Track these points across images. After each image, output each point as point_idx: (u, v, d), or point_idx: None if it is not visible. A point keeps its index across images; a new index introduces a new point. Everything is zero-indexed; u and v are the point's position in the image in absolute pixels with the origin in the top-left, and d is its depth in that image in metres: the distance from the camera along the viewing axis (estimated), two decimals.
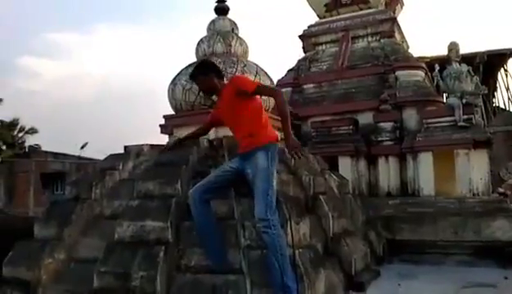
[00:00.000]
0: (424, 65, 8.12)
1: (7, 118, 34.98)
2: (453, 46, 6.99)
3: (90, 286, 3.38)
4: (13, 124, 35.51)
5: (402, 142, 6.78)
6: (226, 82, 3.76)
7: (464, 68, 6.87)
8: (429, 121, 6.66)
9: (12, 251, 3.97)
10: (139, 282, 3.24)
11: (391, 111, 7.13)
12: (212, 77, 3.65)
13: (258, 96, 3.55)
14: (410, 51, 9.18)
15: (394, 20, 8.77)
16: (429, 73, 8.15)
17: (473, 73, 6.98)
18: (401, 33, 9.24)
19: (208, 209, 3.39)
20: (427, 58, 9.35)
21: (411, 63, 8.03)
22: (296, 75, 8.78)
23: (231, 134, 4.29)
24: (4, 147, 34.41)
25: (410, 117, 7.13)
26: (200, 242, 3.41)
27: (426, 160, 6.42)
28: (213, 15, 5.53)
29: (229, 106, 3.52)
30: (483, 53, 14.40)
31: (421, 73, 7.89)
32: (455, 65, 6.89)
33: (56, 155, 26.92)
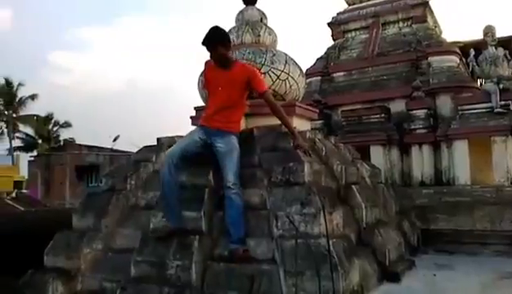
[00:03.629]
0: (458, 50, 7.87)
1: (42, 113, 36.26)
2: (489, 30, 6.74)
3: (127, 274, 3.48)
4: (48, 118, 36.77)
5: (436, 130, 6.61)
6: (239, 61, 3.94)
7: (501, 52, 6.63)
8: (464, 108, 6.47)
9: (52, 241, 4.11)
10: (174, 271, 3.31)
11: (424, 98, 6.95)
12: (228, 48, 3.77)
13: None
14: (443, 35, 8.92)
15: (426, 5, 8.52)
16: (464, 59, 7.90)
17: (510, 58, 6.73)
18: (433, 17, 8.97)
19: (177, 174, 3.62)
20: (460, 43, 9.04)
21: (445, 48, 7.78)
22: (325, 63, 8.69)
23: (260, 124, 4.33)
24: (40, 141, 35.67)
25: (445, 104, 6.94)
26: (164, 205, 3.63)
27: (461, 148, 6.25)
28: (242, 5, 5.51)
29: (235, 85, 3.72)
30: None
31: (455, 59, 7.65)
32: (491, 49, 6.65)
33: (89, 148, 27.62)
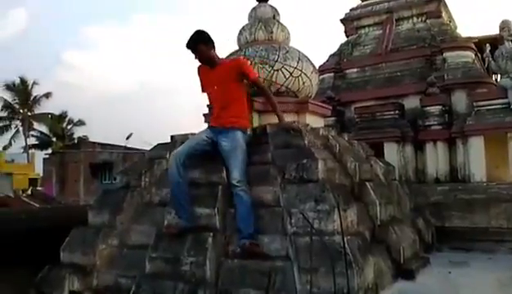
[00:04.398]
0: (473, 46, 7.76)
1: (56, 111, 36.73)
2: (505, 25, 6.62)
3: (142, 270, 3.51)
4: (62, 117, 37.23)
5: (451, 126, 6.54)
6: (224, 57, 4.10)
7: None
8: (480, 104, 6.39)
9: (68, 237, 4.16)
10: (189, 268, 3.33)
11: (439, 94, 6.88)
12: (211, 48, 3.88)
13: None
14: (458, 31, 8.81)
15: (441, 0, 8.41)
16: (479, 54, 7.80)
17: None
18: (448, 12, 8.86)
19: (186, 172, 3.67)
20: (475, 38, 8.92)
21: (460, 43, 7.70)
22: (338, 60, 8.65)
23: (273, 121, 4.33)
24: (55, 139, 36.13)
25: (460, 100, 6.87)
26: (175, 204, 3.66)
27: (477, 145, 6.18)
28: (254, 2, 5.50)
29: (225, 82, 3.83)
30: None
31: (470, 54, 7.56)
32: (508, 45, 6.54)
33: (103, 146, 27.78)
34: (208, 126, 4.02)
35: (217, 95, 3.94)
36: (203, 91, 4.20)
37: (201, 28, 3.93)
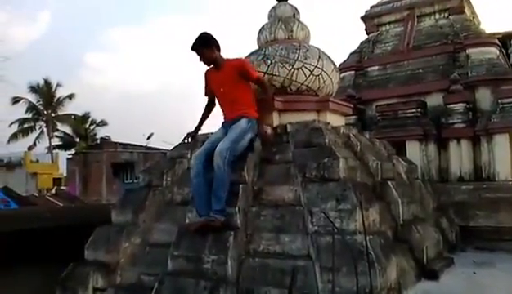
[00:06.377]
0: (497, 42, 7.58)
1: (79, 112, 37.41)
2: None
3: (164, 268, 3.55)
4: (85, 118, 37.90)
5: (475, 124, 6.40)
6: (228, 58, 4.17)
7: None
8: (505, 101, 6.24)
9: (92, 235, 4.23)
10: (210, 266, 3.35)
11: (462, 91, 6.73)
12: (213, 50, 4.03)
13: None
14: (481, 27, 8.62)
15: None
16: (503, 50, 7.61)
17: None
18: (471, 8, 8.67)
19: (207, 173, 3.70)
20: (499, 34, 8.70)
21: (483, 39, 7.51)
22: (359, 58, 8.55)
23: (294, 120, 4.32)
24: (78, 139, 36.80)
25: (484, 97, 6.71)
26: (195, 202, 3.72)
27: (502, 142, 6.04)
28: (274, 1, 5.49)
29: (231, 81, 4.01)
30: None
31: (495, 51, 7.38)
32: None
33: (124, 146, 28.15)
34: (222, 125, 4.18)
35: (225, 96, 4.14)
36: (206, 94, 4.41)
37: (204, 31, 4.07)
